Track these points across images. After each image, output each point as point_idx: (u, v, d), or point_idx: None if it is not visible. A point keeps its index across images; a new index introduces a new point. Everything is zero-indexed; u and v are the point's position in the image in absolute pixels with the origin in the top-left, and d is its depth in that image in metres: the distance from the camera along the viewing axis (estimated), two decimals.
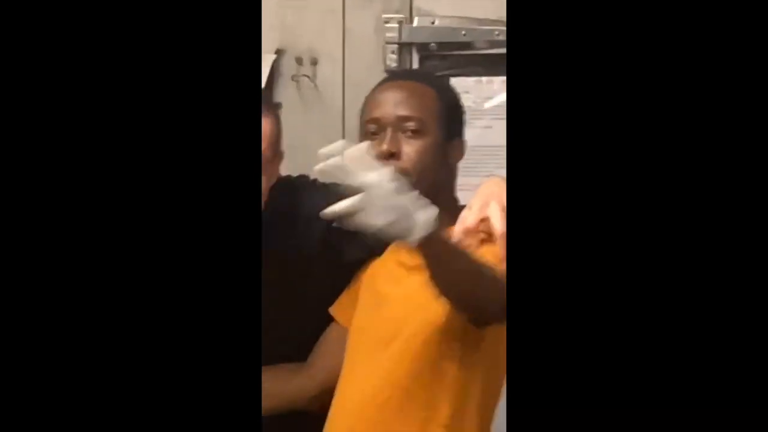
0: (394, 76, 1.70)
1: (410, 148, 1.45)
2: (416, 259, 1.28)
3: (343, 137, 1.74)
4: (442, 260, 1.26)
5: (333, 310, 1.60)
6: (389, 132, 1.45)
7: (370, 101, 1.52)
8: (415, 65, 1.99)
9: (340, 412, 1.46)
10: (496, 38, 1.94)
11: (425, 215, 1.21)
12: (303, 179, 1.68)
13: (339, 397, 1.47)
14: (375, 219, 1.18)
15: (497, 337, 1.31)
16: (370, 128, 1.48)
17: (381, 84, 1.56)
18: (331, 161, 1.19)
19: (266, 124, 1.50)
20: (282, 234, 1.59)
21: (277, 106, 1.84)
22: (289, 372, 1.60)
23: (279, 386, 1.55)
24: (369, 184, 1.17)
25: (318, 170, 1.21)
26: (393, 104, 1.47)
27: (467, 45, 1.98)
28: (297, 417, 1.59)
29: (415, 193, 1.24)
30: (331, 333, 1.60)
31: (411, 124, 1.46)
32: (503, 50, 1.66)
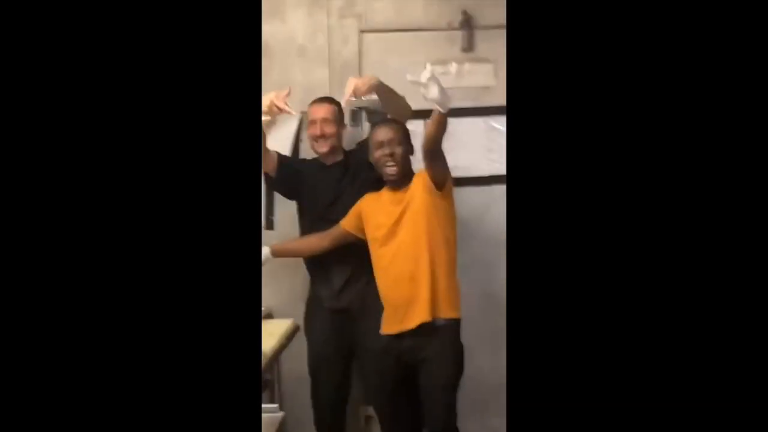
0: (378, 123, 3.28)
1: (397, 150, 3.11)
2: (398, 199, 3.12)
3: None
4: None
5: (342, 221, 3.28)
6: (386, 145, 3.09)
7: (372, 134, 3.18)
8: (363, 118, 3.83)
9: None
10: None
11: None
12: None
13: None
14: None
15: (447, 192, 3.07)
16: (377, 145, 3.11)
17: (375, 126, 3.27)
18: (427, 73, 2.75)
19: None
20: None
21: None
22: (309, 239, 3.40)
23: (304, 242, 3.41)
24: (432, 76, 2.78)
25: (429, 69, 2.73)
26: (385, 133, 3.13)
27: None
28: None
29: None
30: (336, 228, 3.30)
31: (395, 141, 3.11)
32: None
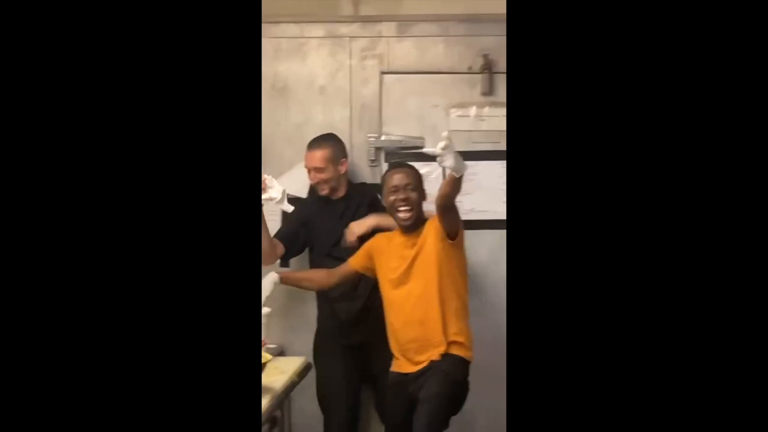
0: (393, 166, 3.35)
1: (412, 195, 3.15)
2: (410, 243, 3.15)
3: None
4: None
5: (351, 260, 3.33)
6: (401, 190, 3.12)
7: (387, 178, 3.20)
8: (383, 158, 3.84)
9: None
10: (421, 146, 3.60)
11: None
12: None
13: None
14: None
15: (458, 242, 3.10)
16: (391, 189, 3.13)
17: (389, 170, 3.28)
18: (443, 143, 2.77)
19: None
20: None
21: None
22: (318, 273, 3.42)
23: (313, 276, 3.44)
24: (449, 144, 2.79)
25: (446, 138, 2.76)
26: (400, 178, 3.17)
27: (408, 148, 3.80)
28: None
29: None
30: (345, 265, 3.32)
31: (410, 186, 3.15)
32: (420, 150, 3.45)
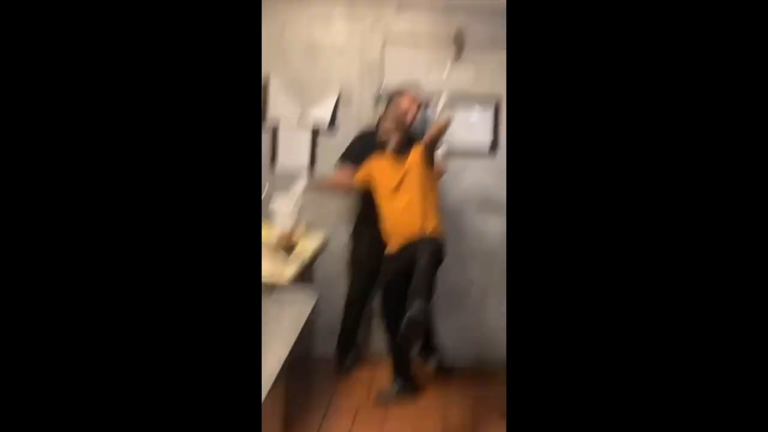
0: (395, 95, 4.16)
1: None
2: (398, 165, 3.96)
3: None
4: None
5: (357, 175, 4.09)
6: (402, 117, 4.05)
7: (396, 106, 4.09)
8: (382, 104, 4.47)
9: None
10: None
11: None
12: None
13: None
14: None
15: (436, 169, 4.02)
16: (401, 114, 4.05)
17: (392, 96, 4.18)
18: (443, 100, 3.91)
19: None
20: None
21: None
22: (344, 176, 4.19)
23: (342, 179, 4.20)
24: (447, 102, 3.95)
25: (444, 96, 3.98)
26: (407, 102, 4.08)
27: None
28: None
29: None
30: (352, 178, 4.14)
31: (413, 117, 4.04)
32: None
